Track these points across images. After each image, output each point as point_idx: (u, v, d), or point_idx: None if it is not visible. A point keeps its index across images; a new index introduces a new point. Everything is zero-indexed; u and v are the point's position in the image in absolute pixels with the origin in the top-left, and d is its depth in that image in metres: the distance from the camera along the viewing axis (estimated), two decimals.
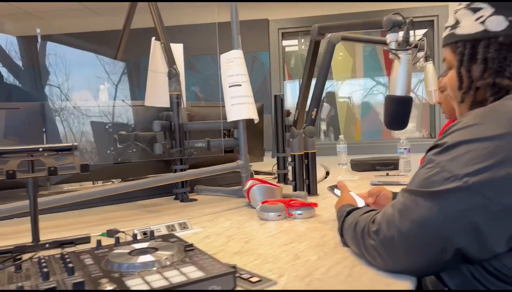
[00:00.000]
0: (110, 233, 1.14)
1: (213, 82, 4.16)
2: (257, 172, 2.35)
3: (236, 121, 1.62)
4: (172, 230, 1.15)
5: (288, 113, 2.05)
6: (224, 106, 1.62)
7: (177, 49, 1.75)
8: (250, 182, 1.50)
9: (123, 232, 1.13)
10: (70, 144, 1.05)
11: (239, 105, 1.57)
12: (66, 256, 0.78)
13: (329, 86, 4.31)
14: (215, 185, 1.87)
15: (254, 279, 0.76)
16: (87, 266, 0.76)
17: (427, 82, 1.82)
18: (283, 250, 0.96)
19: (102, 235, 1.15)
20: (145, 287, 0.64)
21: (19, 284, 0.65)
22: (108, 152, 1.60)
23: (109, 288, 0.64)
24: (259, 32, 4.12)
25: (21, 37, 4.13)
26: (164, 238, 0.93)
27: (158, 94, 1.70)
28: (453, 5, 3.38)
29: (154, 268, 0.72)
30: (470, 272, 0.77)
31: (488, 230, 0.69)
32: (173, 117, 1.67)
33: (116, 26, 3.82)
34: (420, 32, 4.04)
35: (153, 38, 1.72)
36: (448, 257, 0.73)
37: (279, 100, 2.00)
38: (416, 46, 1.16)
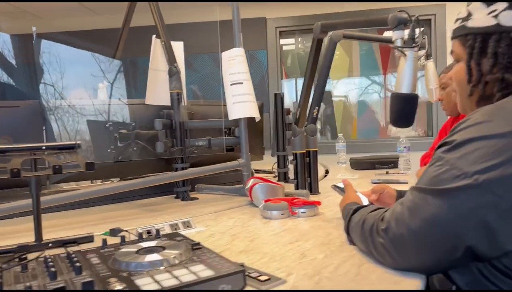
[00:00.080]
0: (113, 232, 1.14)
1: (211, 80, 4.15)
2: (257, 171, 2.34)
3: (237, 119, 1.61)
4: (175, 229, 1.14)
5: (288, 112, 2.05)
6: (225, 105, 1.61)
7: (178, 47, 1.74)
8: (252, 181, 1.50)
9: (126, 231, 1.12)
10: (73, 142, 1.05)
11: (241, 103, 1.56)
12: (73, 255, 0.77)
13: None
14: (215, 184, 1.87)
15: (263, 278, 0.75)
16: (94, 265, 0.75)
17: (428, 80, 1.82)
18: (289, 249, 0.95)
19: (105, 234, 1.14)
20: (155, 286, 0.63)
21: (27, 284, 0.64)
22: (109, 150, 1.58)
23: (119, 287, 0.64)
24: (257, 30, 4.11)
25: (18, 36, 4.10)
26: (170, 236, 0.93)
27: (158, 92, 1.69)
28: (450, 4, 3.36)
29: (163, 267, 0.71)
30: (479, 270, 0.77)
31: (499, 228, 0.69)
32: (173, 115, 1.66)
33: (114, 24, 3.80)
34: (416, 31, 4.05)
35: (154, 36, 1.71)
36: (458, 255, 0.73)
37: (279, 99, 2.00)
38: (420, 44, 1.16)
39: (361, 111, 4.42)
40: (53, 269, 0.69)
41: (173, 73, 1.65)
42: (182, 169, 1.66)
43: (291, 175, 2.07)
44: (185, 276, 0.67)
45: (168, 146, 1.61)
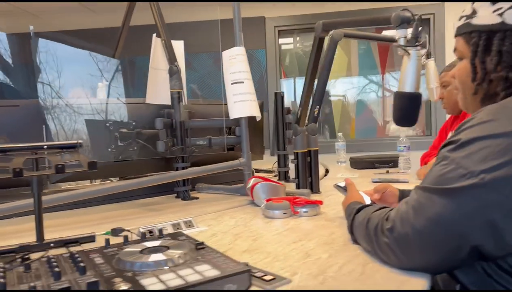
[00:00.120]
0: (115, 231, 1.13)
1: (209, 80, 4.14)
2: (257, 170, 2.34)
3: (238, 118, 1.61)
4: (177, 228, 1.14)
5: (288, 111, 2.04)
6: (226, 104, 1.61)
7: (178, 46, 1.74)
8: (253, 180, 1.49)
9: (128, 230, 1.12)
10: (75, 141, 1.04)
11: (242, 102, 1.56)
12: (76, 255, 0.77)
13: None
14: (215, 183, 1.86)
15: (268, 277, 0.75)
16: (98, 265, 0.74)
17: (429, 80, 1.81)
18: (292, 248, 0.95)
19: (107, 233, 1.14)
20: (161, 286, 0.63)
21: (32, 284, 0.63)
22: (109, 150, 1.58)
23: (124, 287, 0.63)
24: (256, 30, 4.10)
25: (16, 34, 4.09)
26: (173, 236, 0.92)
27: (159, 91, 1.69)
28: (449, 4, 3.36)
29: (168, 267, 0.71)
30: (484, 269, 0.77)
31: (505, 227, 0.69)
32: (174, 114, 1.65)
33: (112, 23, 3.80)
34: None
35: (154, 34, 1.70)
36: (464, 255, 0.73)
37: (280, 98, 1.99)
38: (423, 43, 1.15)
39: (359, 111, 4.42)
40: (57, 269, 0.68)
41: (173, 72, 1.65)
42: (183, 168, 1.65)
43: (291, 174, 2.07)
44: (191, 276, 0.66)
45: (169, 146, 1.61)
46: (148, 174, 1.79)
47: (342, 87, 4.40)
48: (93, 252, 0.82)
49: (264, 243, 1.00)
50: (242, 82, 1.56)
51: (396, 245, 0.77)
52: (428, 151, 2.18)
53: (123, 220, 1.35)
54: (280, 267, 0.82)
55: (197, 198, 1.68)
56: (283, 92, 2.03)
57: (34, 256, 0.82)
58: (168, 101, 1.67)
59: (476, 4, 0.90)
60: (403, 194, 1.22)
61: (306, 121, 1.64)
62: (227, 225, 1.20)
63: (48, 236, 1.03)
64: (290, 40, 4.45)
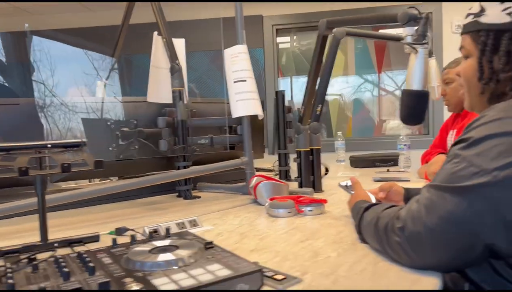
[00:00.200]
0: (119, 231, 1.12)
1: (207, 78, 4.12)
2: (257, 169, 2.33)
3: (240, 117, 1.59)
4: (182, 227, 1.12)
5: (289, 110, 2.04)
6: (228, 102, 1.60)
7: (179, 44, 1.72)
8: (255, 179, 1.48)
9: (132, 230, 1.10)
10: (79, 140, 1.03)
11: (244, 101, 1.55)
12: (85, 255, 0.75)
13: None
14: (216, 182, 1.85)
15: (279, 277, 0.74)
16: (106, 265, 0.73)
17: (430, 78, 1.81)
18: (300, 247, 0.94)
19: (111, 233, 1.12)
20: (173, 286, 0.62)
21: (42, 285, 0.62)
22: (110, 149, 1.56)
23: (136, 288, 0.62)
24: (253, 28, 4.09)
25: (12, 33, 4.05)
26: (180, 235, 0.91)
27: (160, 90, 1.67)
28: (447, 3, 3.36)
29: (179, 267, 0.70)
30: (493, 267, 0.76)
31: None
32: (175, 113, 1.64)
33: (109, 22, 3.78)
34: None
35: (155, 32, 1.69)
36: (477, 253, 0.72)
37: (281, 97, 1.98)
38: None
39: (356, 110, 4.43)
40: (66, 270, 0.67)
41: (175, 70, 1.63)
42: (184, 167, 1.64)
43: (292, 173, 2.06)
44: (203, 275, 0.65)
45: (171, 144, 1.60)
46: (149, 173, 1.78)
47: (339, 86, 4.40)
48: (100, 252, 0.81)
49: (272, 242, 0.99)
50: (245, 81, 1.55)
51: (407, 244, 0.77)
52: (429, 149, 2.18)
53: (126, 219, 1.33)
54: (290, 266, 0.81)
55: (199, 197, 1.67)
56: (283, 91, 2.02)
57: (40, 256, 0.81)
58: (169, 100, 1.66)
59: (484, 2, 0.89)
60: (408, 192, 1.22)
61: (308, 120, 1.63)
62: (232, 224, 1.19)
63: (51, 235, 1.01)
64: (287, 39, 4.44)
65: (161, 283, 0.63)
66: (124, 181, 1.42)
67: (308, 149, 1.62)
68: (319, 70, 1.63)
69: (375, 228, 0.86)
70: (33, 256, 0.79)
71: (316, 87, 1.63)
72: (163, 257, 0.72)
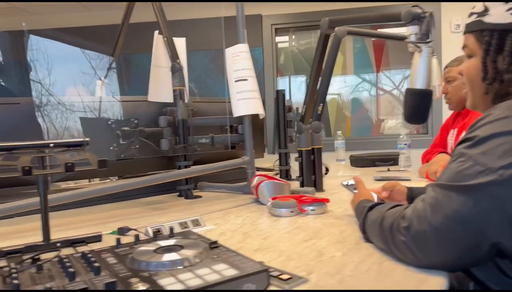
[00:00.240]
0: (122, 231, 1.12)
1: (205, 78, 4.12)
2: (258, 169, 2.32)
3: (242, 116, 1.59)
4: (185, 227, 1.12)
5: (290, 109, 2.03)
6: (229, 101, 1.59)
7: (180, 43, 1.71)
8: (257, 178, 1.48)
9: (135, 229, 1.10)
10: (82, 139, 1.02)
11: (246, 100, 1.55)
12: (89, 255, 0.75)
13: None
14: (216, 181, 1.85)
15: (285, 277, 0.74)
16: (111, 265, 0.73)
17: (432, 77, 1.80)
18: (304, 247, 0.94)
19: (113, 233, 1.12)
20: (180, 286, 0.62)
21: (48, 285, 0.62)
22: (111, 148, 1.55)
23: (142, 288, 0.62)
24: (252, 28, 4.08)
25: (9, 32, 4.04)
26: (184, 235, 0.91)
27: (161, 89, 1.67)
28: (445, 3, 3.36)
29: (184, 267, 0.69)
30: (497, 266, 0.76)
31: None
32: (176, 112, 1.63)
33: (107, 21, 3.77)
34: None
35: (156, 32, 1.68)
36: (483, 252, 0.72)
37: (281, 96, 1.98)
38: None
39: (354, 109, 4.43)
40: (71, 270, 0.67)
41: (176, 69, 1.63)
42: (185, 167, 1.64)
43: (292, 172, 2.06)
44: (209, 275, 0.65)
45: (172, 144, 1.59)
46: (150, 172, 1.77)
47: (337, 86, 4.40)
48: (105, 252, 0.81)
49: (275, 242, 0.98)
50: (246, 80, 1.55)
51: (413, 243, 0.76)
52: (429, 149, 2.17)
53: (126, 219, 1.33)
54: (295, 266, 0.81)
55: (200, 196, 1.67)
56: (284, 90, 2.02)
57: (43, 256, 0.80)
58: (170, 99, 1.66)
59: (488, 2, 0.89)
60: (411, 191, 1.22)
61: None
62: (235, 224, 1.19)
63: (52, 235, 1.01)
64: (285, 38, 4.43)
65: (168, 283, 0.63)
66: (125, 181, 1.41)
67: (310, 148, 1.62)
68: (321, 69, 1.62)
69: (380, 227, 0.86)
70: (37, 256, 0.78)
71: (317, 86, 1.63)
72: (168, 257, 0.72)
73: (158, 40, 1.69)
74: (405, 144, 2.22)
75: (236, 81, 1.56)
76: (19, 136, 1.41)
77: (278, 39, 4.33)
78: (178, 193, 1.70)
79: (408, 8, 1.13)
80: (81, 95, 1.90)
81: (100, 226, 1.22)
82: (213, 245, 0.81)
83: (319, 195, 1.55)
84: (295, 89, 4.40)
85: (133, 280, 0.65)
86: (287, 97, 2.02)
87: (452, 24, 3.84)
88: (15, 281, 0.63)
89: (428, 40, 1.11)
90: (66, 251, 0.89)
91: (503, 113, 0.77)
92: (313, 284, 0.72)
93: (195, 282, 0.62)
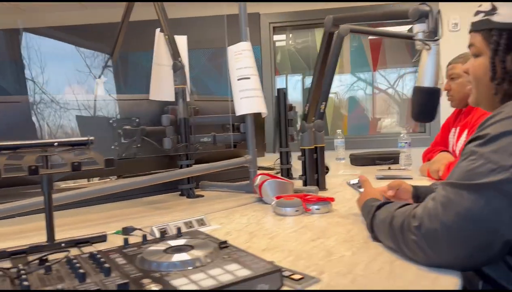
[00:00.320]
0: (126, 230, 1.10)
1: (203, 76, 4.10)
2: (258, 168, 2.31)
3: (244, 115, 1.58)
4: (190, 226, 1.11)
5: (291, 108, 2.02)
6: (232, 100, 1.58)
7: (181, 41, 1.70)
8: (260, 177, 1.47)
9: (140, 229, 1.09)
10: (86, 138, 1.01)
11: (248, 98, 1.54)
12: (98, 255, 0.74)
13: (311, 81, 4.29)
14: (217, 180, 1.83)
15: (296, 277, 0.73)
16: (121, 265, 0.72)
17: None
18: (312, 246, 0.93)
19: (117, 233, 1.11)
20: (193, 287, 0.61)
21: (59, 287, 0.61)
22: (113, 147, 1.54)
23: (155, 288, 0.61)
24: (250, 26, 4.05)
25: (4, 30, 4.00)
26: (192, 235, 0.90)
27: (162, 88, 1.65)
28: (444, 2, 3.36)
29: (196, 267, 0.68)
30: (507, 264, 0.76)
31: None
32: (178, 111, 1.62)
33: (104, 19, 3.75)
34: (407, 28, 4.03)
35: (157, 29, 1.67)
36: (495, 251, 0.72)
37: (282, 94, 1.97)
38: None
39: (351, 108, 4.43)
40: (81, 271, 0.66)
41: (177, 67, 1.62)
42: (187, 166, 1.63)
43: (294, 171, 2.05)
44: (222, 276, 0.64)
45: (174, 142, 1.58)
46: (152, 172, 1.76)
47: (334, 84, 4.38)
48: (113, 252, 0.80)
49: (282, 241, 0.98)
50: (249, 78, 1.54)
51: (424, 242, 0.76)
52: (430, 147, 2.17)
53: (129, 218, 1.32)
54: (306, 266, 0.80)
55: (202, 196, 1.66)
56: (285, 89, 2.01)
57: (50, 257, 0.79)
58: (172, 98, 1.64)
59: (496, 2, 0.88)
60: (417, 190, 1.21)
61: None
62: (240, 223, 1.18)
63: (55, 236, 0.99)
64: (282, 37, 4.42)
65: (181, 283, 0.62)
66: (127, 180, 1.40)
67: (313, 147, 1.61)
68: (324, 68, 1.61)
69: (390, 227, 0.86)
70: (44, 257, 0.77)
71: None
72: (179, 257, 0.71)
73: (159, 38, 1.67)
74: (406, 142, 2.22)
75: (238, 79, 1.55)
76: (20, 135, 1.40)
77: (275, 37, 4.32)
78: (180, 192, 1.69)
79: (416, 6, 1.12)
80: (82, 94, 1.89)
81: (103, 226, 1.21)
82: (223, 245, 0.80)
83: (322, 194, 1.54)
84: (291, 88, 4.39)
85: (145, 281, 0.64)
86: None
87: (450, 23, 3.85)
88: (25, 283, 0.62)
89: (436, 38, 1.10)
90: (71, 252, 0.88)
91: None
92: (325, 284, 0.71)
93: (208, 283, 0.62)
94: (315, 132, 1.61)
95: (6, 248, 0.91)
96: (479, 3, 0.92)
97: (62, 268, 0.72)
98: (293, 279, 0.72)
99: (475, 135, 0.80)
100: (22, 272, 0.67)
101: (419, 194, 1.19)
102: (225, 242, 0.81)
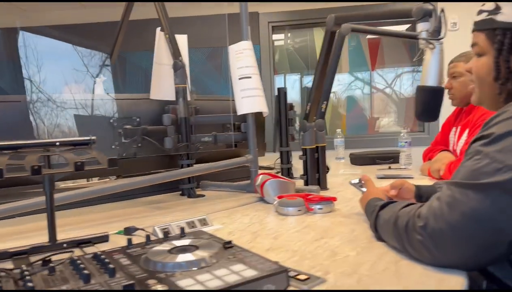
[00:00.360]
0: (128, 231, 1.10)
1: (202, 75, 4.09)
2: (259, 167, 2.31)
3: (245, 114, 1.58)
4: (192, 226, 1.10)
5: (291, 107, 2.02)
6: (233, 99, 1.58)
7: (182, 40, 1.69)
8: (261, 177, 1.47)
9: (142, 229, 1.08)
10: (88, 137, 1.00)
11: (250, 98, 1.53)
12: (102, 256, 0.73)
13: (309, 81, 4.28)
14: (217, 180, 1.83)
15: (302, 277, 0.72)
16: (125, 266, 0.71)
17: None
18: (316, 246, 0.92)
19: (119, 233, 1.10)
20: (200, 288, 0.60)
21: (64, 288, 0.60)
22: (113, 147, 1.53)
23: (161, 289, 0.60)
24: (249, 25, 4.06)
25: (2, 29, 3.98)
26: (196, 235, 0.89)
27: (163, 87, 1.65)
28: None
29: (201, 267, 0.68)
30: (510, 262, 0.76)
31: None
32: (179, 110, 1.62)
33: (103, 18, 3.73)
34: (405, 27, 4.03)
35: (158, 28, 1.66)
36: (500, 250, 0.72)
37: (283, 94, 1.96)
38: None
39: (349, 107, 4.43)
40: (86, 272, 0.65)
41: (178, 67, 1.61)
42: (188, 165, 1.62)
43: (294, 170, 2.05)
44: (228, 276, 0.64)
45: (175, 142, 1.57)
46: (152, 171, 1.75)
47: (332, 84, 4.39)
48: (116, 253, 0.79)
49: (286, 241, 0.97)
50: (250, 77, 1.53)
51: (430, 242, 0.76)
52: (431, 146, 2.17)
53: (130, 218, 1.31)
54: (311, 266, 0.79)
55: (203, 195, 1.65)
56: (286, 88, 2.00)
57: (54, 257, 0.78)
58: (172, 97, 1.63)
59: (499, 2, 0.87)
60: (419, 190, 1.21)
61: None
62: (242, 223, 1.18)
63: (57, 236, 0.99)
64: (281, 36, 4.42)
65: (187, 284, 0.62)
66: (128, 180, 1.39)
67: (314, 146, 1.60)
68: (326, 67, 1.61)
69: (394, 226, 0.85)
70: (47, 258, 0.76)
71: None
72: (184, 257, 0.70)
73: (160, 37, 1.67)
74: (406, 142, 2.22)
75: (239, 78, 1.54)
76: (20, 135, 1.40)
77: (273, 37, 4.32)
78: (180, 192, 1.68)
79: (420, 5, 1.12)
80: (82, 93, 1.88)
81: (104, 226, 1.20)
82: (227, 245, 0.79)
83: (323, 193, 1.54)
84: (289, 88, 4.39)
85: (151, 281, 0.63)
86: None
87: (449, 22, 3.85)
88: (30, 284, 0.61)
89: (440, 37, 1.10)
90: (75, 252, 0.88)
91: None
92: (331, 284, 0.71)
93: (215, 283, 0.61)
94: (316, 132, 1.60)
95: (8, 248, 0.91)
96: (480, 3, 0.91)
97: (66, 269, 0.71)
98: (299, 279, 0.72)
99: (479, 134, 0.79)
100: (26, 273, 0.66)
101: (421, 194, 1.19)
102: (229, 242, 0.80)
